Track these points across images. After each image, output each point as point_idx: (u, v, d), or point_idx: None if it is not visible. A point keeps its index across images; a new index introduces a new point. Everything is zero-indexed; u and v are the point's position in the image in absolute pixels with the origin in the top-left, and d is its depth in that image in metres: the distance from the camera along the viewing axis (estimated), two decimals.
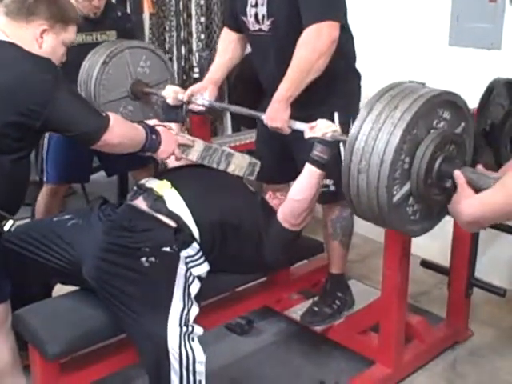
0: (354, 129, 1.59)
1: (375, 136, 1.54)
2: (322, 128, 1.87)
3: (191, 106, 2.34)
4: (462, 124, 1.70)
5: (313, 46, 1.99)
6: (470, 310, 2.56)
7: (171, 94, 2.30)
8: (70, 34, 1.80)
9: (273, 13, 2.11)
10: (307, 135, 1.91)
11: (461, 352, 2.49)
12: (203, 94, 2.31)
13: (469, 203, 1.43)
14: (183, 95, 2.29)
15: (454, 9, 2.87)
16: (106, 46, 2.61)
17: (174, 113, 2.32)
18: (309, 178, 1.91)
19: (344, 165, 1.61)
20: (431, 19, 2.97)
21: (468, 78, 2.79)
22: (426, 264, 2.67)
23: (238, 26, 2.28)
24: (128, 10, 3.97)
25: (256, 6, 2.14)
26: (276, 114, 2.04)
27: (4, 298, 1.83)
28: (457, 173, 1.53)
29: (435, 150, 1.58)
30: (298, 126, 2.00)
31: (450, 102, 1.64)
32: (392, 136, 1.52)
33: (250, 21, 2.18)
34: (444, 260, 2.56)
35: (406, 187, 1.61)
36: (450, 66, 2.92)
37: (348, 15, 2.18)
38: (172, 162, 2.14)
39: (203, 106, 2.30)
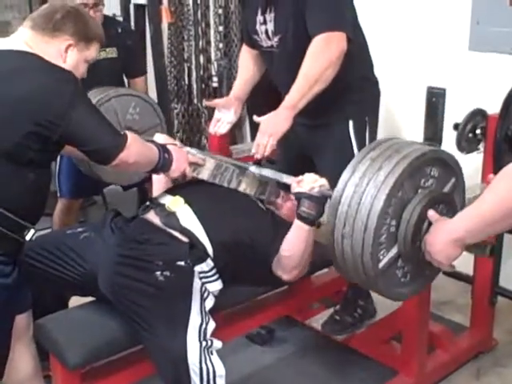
0: (335, 192, 1.51)
1: (358, 200, 1.46)
2: (309, 182, 1.82)
3: (214, 131, 2.35)
4: (452, 180, 1.61)
5: (321, 57, 1.97)
6: (495, 319, 2.51)
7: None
8: (93, 52, 1.81)
9: (280, 29, 2.11)
10: (294, 190, 1.86)
11: (485, 362, 2.45)
12: (230, 110, 2.32)
13: (451, 221, 1.33)
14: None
15: (473, 13, 2.84)
16: (92, 95, 2.53)
17: None
18: (297, 233, 1.84)
19: (328, 229, 1.53)
20: (451, 24, 2.95)
21: (489, 84, 2.76)
22: (448, 272, 2.62)
23: (254, 44, 2.30)
24: (146, 20, 4.00)
25: (265, 23, 2.15)
26: (276, 120, 1.98)
27: (26, 308, 1.84)
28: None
29: (422, 212, 1.49)
30: (286, 179, 1.93)
31: (438, 159, 1.56)
32: (376, 200, 1.44)
33: (263, 38, 2.20)
34: (467, 268, 2.52)
35: (394, 251, 1.52)
36: (470, 72, 2.89)
37: (366, 21, 2.17)
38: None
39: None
